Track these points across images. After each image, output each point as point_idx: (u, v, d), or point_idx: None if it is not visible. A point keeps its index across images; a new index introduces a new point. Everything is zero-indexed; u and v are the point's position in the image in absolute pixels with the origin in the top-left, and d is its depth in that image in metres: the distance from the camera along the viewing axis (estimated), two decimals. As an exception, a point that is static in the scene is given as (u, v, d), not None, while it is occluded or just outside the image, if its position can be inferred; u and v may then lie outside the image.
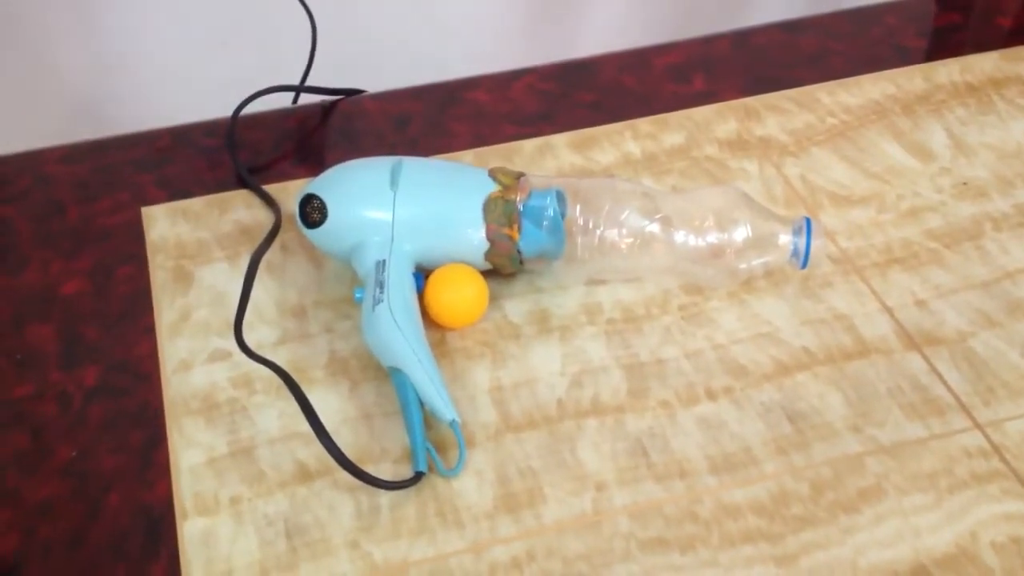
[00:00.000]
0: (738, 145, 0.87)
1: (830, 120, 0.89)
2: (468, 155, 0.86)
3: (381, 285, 0.69)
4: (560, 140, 0.88)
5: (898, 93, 0.92)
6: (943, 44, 0.98)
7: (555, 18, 1.52)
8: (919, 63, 0.95)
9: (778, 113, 0.90)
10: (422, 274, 0.72)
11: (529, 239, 0.71)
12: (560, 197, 0.72)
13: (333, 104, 0.92)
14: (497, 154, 0.86)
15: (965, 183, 0.83)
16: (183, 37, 1.32)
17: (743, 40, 0.99)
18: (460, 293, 0.72)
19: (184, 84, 1.28)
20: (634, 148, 0.87)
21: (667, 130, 0.89)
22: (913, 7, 1.02)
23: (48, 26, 1.30)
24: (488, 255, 0.72)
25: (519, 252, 0.72)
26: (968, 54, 0.95)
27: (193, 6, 1.31)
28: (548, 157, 0.86)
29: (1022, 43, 0.97)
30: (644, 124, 0.89)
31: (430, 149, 0.86)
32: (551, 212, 0.71)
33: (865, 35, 0.98)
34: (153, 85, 1.32)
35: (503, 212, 0.71)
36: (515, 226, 0.71)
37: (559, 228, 0.71)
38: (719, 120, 0.89)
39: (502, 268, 0.73)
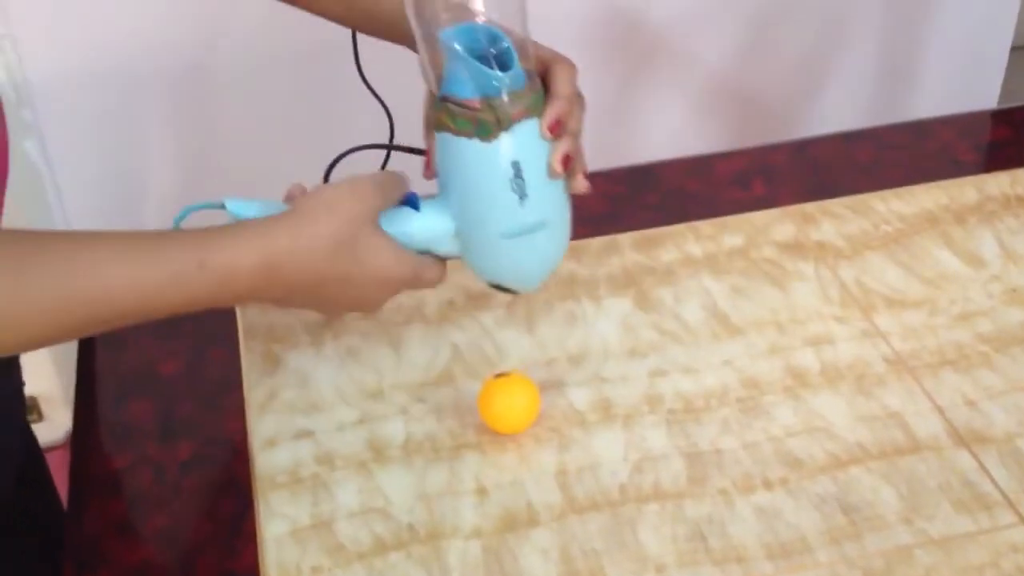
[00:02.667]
0: (795, 248, 0.91)
1: (884, 227, 0.93)
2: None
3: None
4: (625, 239, 0.93)
5: (951, 203, 0.96)
6: (995, 157, 1.03)
7: (621, 123, 1.59)
8: (971, 175, 0.99)
9: (834, 219, 0.95)
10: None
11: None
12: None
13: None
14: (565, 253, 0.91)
15: (1014, 290, 0.87)
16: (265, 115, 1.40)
17: (802, 149, 1.04)
18: (513, 401, 0.75)
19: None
20: (695, 249, 0.92)
21: (727, 232, 0.93)
22: (967, 122, 1.07)
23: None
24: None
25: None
26: (1019, 167, 0.99)
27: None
28: (613, 255, 0.91)
29: (1072, 157, 1.01)
30: (705, 226, 0.94)
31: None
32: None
33: (920, 147, 1.03)
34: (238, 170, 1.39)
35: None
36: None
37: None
38: (777, 224, 0.94)
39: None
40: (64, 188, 1.44)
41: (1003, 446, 0.74)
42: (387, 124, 0.99)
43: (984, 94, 1.77)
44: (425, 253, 0.70)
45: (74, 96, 1.37)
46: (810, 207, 0.96)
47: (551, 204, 0.70)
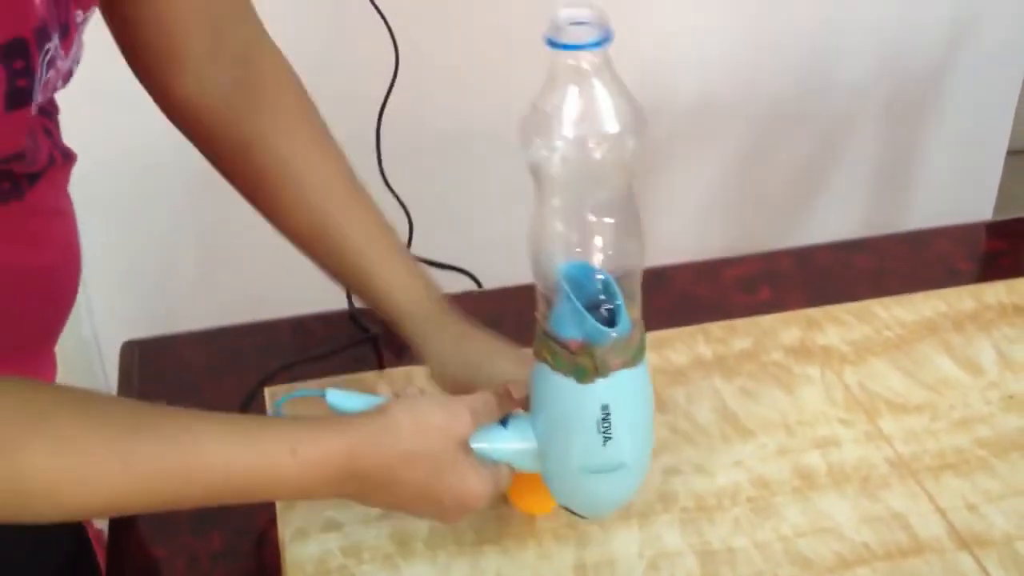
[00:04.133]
0: (801, 352, 0.95)
1: (886, 333, 0.98)
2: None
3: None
4: (638, 342, 0.97)
5: (949, 311, 1.00)
6: (991, 267, 1.07)
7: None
8: (969, 284, 1.03)
9: (838, 324, 0.99)
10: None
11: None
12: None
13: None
14: (581, 352, 0.95)
15: (1011, 397, 0.90)
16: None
17: (805, 257, 1.09)
18: (538, 479, 0.77)
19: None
20: (706, 351, 0.96)
21: (736, 335, 0.98)
22: (963, 232, 1.12)
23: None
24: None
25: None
26: (1014, 277, 1.04)
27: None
28: (627, 357, 0.95)
29: (1064, 268, 1.05)
30: (715, 328, 0.98)
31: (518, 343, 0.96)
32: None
33: (918, 257, 1.08)
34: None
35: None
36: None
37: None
38: (784, 328, 0.98)
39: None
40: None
41: (1003, 549, 0.77)
42: (407, 225, 1.05)
43: (981, 199, 1.83)
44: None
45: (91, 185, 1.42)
46: (815, 312, 1.00)
47: (632, 448, 0.72)
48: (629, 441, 0.71)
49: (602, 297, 0.67)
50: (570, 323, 0.67)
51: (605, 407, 0.68)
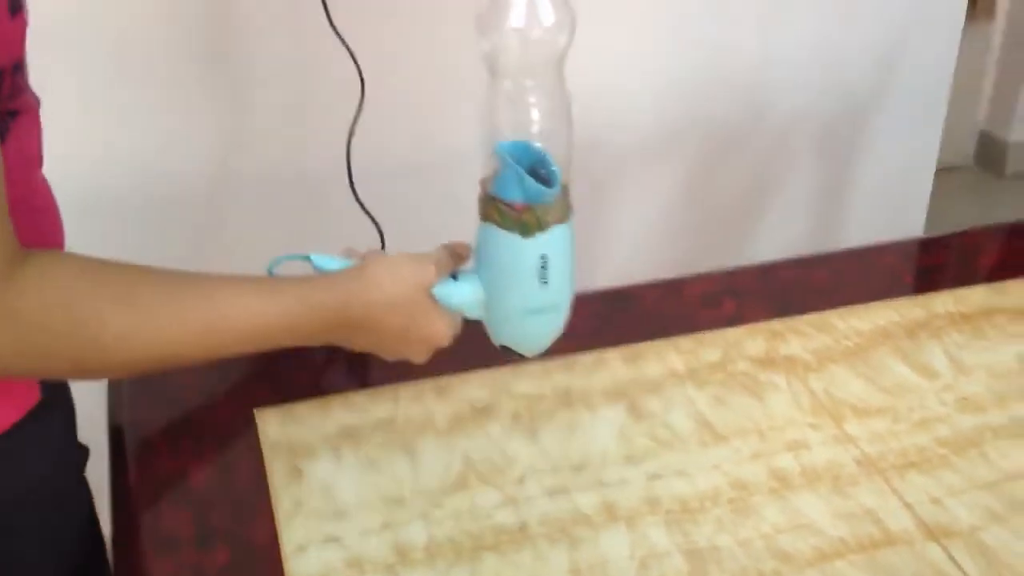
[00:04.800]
0: (767, 362, 1.01)
1: (845, 342, 1.03)
2: (535, 366, 0.99)
3: None
4: (613, 354, 1.01)
5: (901, 320, 1.06)
6: (936, 279, 1.14)
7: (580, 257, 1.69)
8: (918, 294, 1.10)
9: (799, 335, 1.04)
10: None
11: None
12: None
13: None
14: (560, 367, 0.99)
15: (965, 398, 0.96)
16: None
17: (764, 272, 1.14)
18: None
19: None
20: (677, 362, 1.00)
21: (704, 347, 1.02)
22: (910, 247, 1.18)
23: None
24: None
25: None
26: (958, 287, 1.10)
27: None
28: (603, 368, 0.99)
29: (1003, 279, 1.12)
30: (684, 341, 1.03)
31: (502, 361, 0.99)
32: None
33: (869, 270, 1.14)
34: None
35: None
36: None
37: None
38: (749, 339, 1.03)
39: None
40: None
41: (968, 539, 0.82)
42: (380, 243, 1.08)
43: (914, 215, 1.92)
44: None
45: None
46: (777, 324, 1.05)
47: (564, 291, 0.84)
48: (561, 284, 0.83)
49: (540, 169, 0.79)
50: (515, 187, 0.79)
51: (543, 256, 0.81)
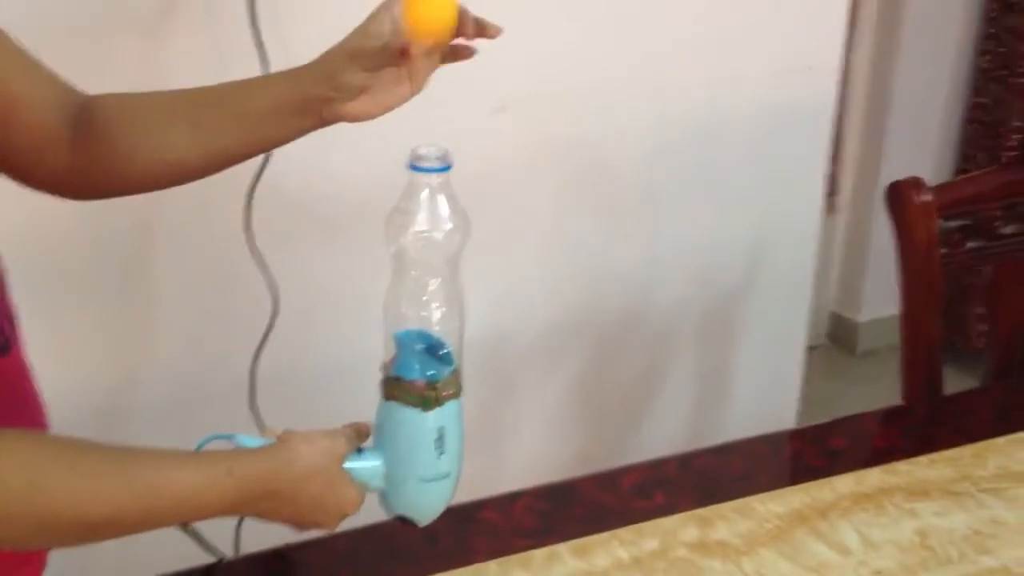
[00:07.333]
0: (702, 548, 1.11)
1: (767, 525, 1.14)
2: (491, 566, 1.06)
3: None
4: (563, 549, 1.09)
5: (813, 502, 1.18)
6: (839, 461, 1.27)
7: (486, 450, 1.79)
8: (824, 478, 1.22)
9: (725, 520, 1.15)
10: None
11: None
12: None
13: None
14: (513, 563, 1.07)
15: (879, 572, 1.08)
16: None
17: (686, 462, 1.25)
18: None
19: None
20: (622, 553, 1.09)
21: (644, 537, 1.12)
22: (815, 433, 1.32)
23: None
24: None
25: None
26: (858, 469, 1.23)
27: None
28: (557, 563, 1.07)
29: (896, 460, 1.26)
30: (626, 533, 1.12)
31: (460, 563, 1.07)
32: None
33: (780, 456, 1.27)
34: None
35: None
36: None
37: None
38: (682, 528, 1.13)
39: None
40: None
41: None
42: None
43: (787, 394, 2.09)
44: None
45: None
46: (705, 512, 1.16)
47: (456, 461, 0.94)
48: (454, 454, 0.93)
49: (438, 351, 0.91)
50: (416, 367, 0.90)
51: (441, 428, 0.91)
